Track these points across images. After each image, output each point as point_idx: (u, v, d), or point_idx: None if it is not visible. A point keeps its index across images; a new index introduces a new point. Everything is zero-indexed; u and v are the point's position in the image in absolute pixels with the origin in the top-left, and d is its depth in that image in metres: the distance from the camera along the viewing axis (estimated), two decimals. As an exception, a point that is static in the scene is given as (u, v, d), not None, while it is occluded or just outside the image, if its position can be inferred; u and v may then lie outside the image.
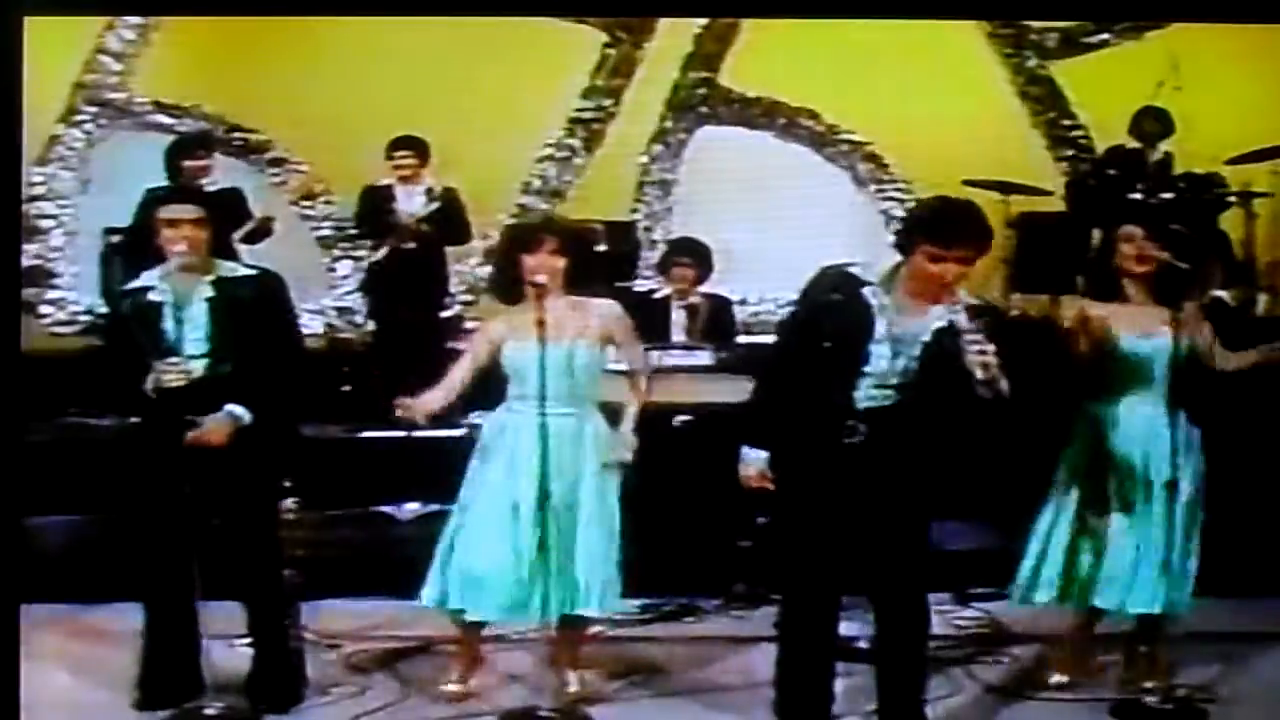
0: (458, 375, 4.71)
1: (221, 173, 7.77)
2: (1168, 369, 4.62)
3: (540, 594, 4.49)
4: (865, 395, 4.05)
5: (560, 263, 4.58)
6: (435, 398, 4.67)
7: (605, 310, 4.72)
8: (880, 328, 4.02)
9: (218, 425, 4.48)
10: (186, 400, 4.42)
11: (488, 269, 8.72)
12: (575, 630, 4.80)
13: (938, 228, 3.95)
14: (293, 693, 4.78)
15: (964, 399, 3.93)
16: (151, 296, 4.55)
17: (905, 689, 4.25)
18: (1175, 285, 4.61)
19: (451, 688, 4.82)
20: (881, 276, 4.09)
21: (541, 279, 4.51)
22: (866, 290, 4.07)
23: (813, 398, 4.06)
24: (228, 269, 4.73)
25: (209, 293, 4.58)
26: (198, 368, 4.47)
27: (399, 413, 4.61)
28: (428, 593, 4.71)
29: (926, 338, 4.01)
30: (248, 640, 4.79)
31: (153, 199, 6.23)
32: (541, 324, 4.43)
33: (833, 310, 4.05)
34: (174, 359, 4.42)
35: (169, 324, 4.48)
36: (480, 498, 4.63)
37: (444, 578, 4.65)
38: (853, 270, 4.12)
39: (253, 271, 4.81)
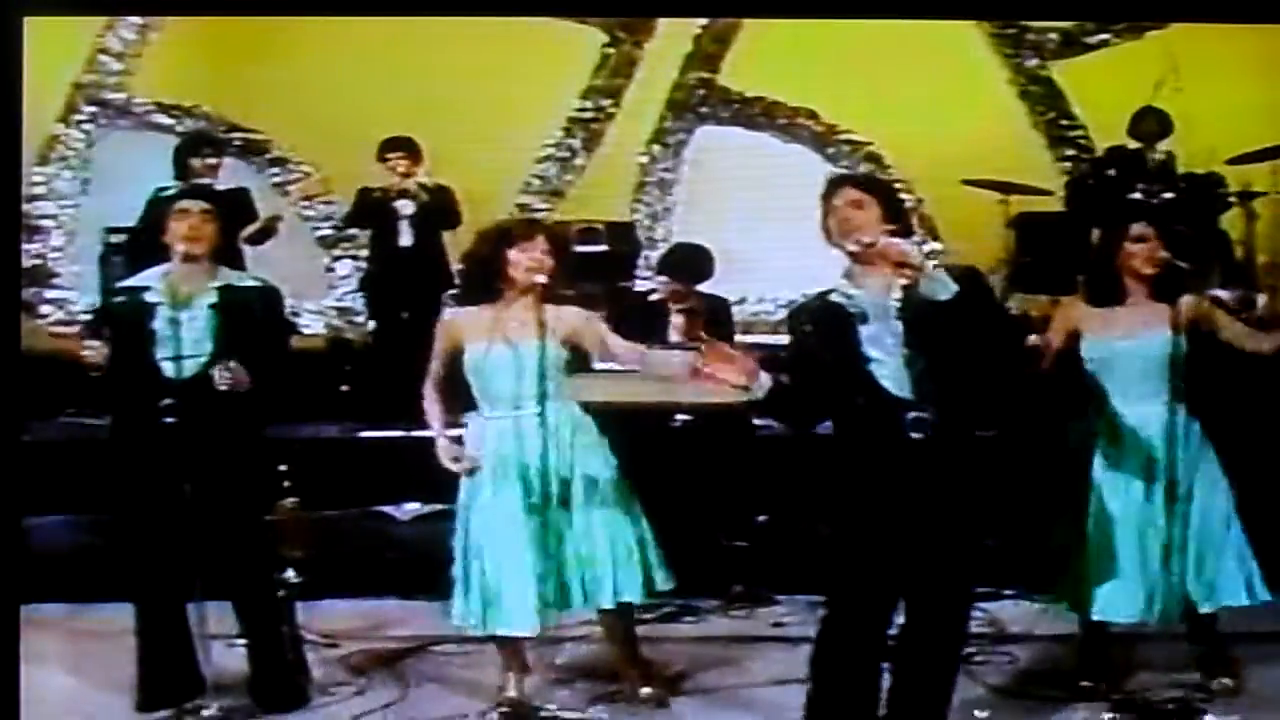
0: (436, 390, 4.65)
1: (226, 173, 7.79)
2: (1168, 368, 4.62)
3: (558, 594, 4.46)
4: (905, 382, 3.94)
5: (550, 261, 4.53)
6: (440, 427, 4.63)
7: (571, 315, 4.61)
8: (854, 310, 3.98)
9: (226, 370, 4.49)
10: (177, 399, 4.44)
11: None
12: (622, 622, 4.78)
13: (828, 185, 4.11)
14: (296, 694, 4.79)
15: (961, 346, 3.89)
16: (147, 297, 4.56)
17: (934, 695, 4.15)
18: (1174, 283, 4.60)
19: (511, 693, 4.72)
20: (844, 273, 4.06)
21: (541, 278, 4.46)
22: (833, 295, 4.03)
23: (857, 407, 3.99)
24: (233, 277, 4.76)
25: (213, 298, 4.61)
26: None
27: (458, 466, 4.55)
28: (457, 613, 4.61)
29: (897, 297, 3.94)
30: (244, 641, 4.80)
31: (161, 196, 6.29)
32: (542, 324, 4.39)
33: (812, 331, 4.04)
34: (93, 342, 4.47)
35: (162, 324, 4.49)
36: (480, 512, 4.55)
37: (466, 601, 4.54)
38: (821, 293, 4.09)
39: (256, 282, 4.84)
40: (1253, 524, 5.79)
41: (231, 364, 4.48)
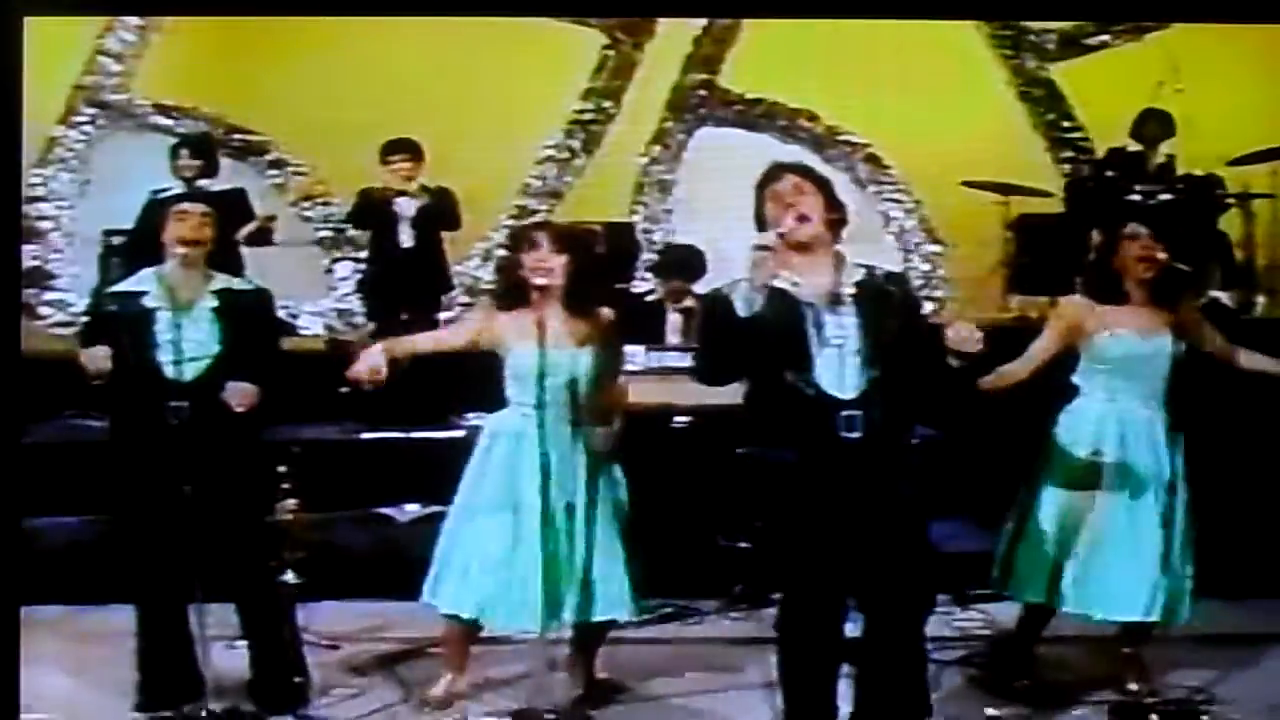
0: (446, 336, 4.72)
1: (223, 173, 7.79)
2: (1167, 370, 4.62)
3: (551, 601, 4.46)
4: (841, 382, 3.92)
5: (559, 261, 4.55)
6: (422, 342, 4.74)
7: (599, 316, 4.68)
8: (803, 299, 3.94)
9: (239, 390, 4.52)
10: (179, 399, 4.45)
11: (487, 270, 8.83)
12: (591, 635, 4.80)
13: (766, 173, 4.09)
14: (296, 695, 4.77)
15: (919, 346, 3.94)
16: (146, 301, 4.57)
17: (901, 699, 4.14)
18: (1174, 286, 4.60)
19: (439, 692, 4.78)
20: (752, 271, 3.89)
21: (542, 280, 4.50)
22: (776, 281, 3.91)
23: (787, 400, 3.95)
24: (229, 280, 4.78)
25: (213, 301, 4.64)
26: (106, 362, 4.47)
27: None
28: (441, 599, 4.64)
29: (850, 291, 3.95)
30: (245, 642, 4.80)
31: (159, 199, 6.29)
32: (541, 326, 4.41)
33: (755, 315, 3.88)
34: (92, 350, 4.45)
35: (164, 328, 4.50)
36: (484, 503, 4.59)
37: (457, 586, 4.58)
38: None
39: (249, 286, 4.89)
40: (1251, 523, 5.87)
41: (243, 385, 4.51)
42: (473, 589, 4.56)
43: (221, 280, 4.73)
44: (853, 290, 3.96)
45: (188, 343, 4.51)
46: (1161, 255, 4.62)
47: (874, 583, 3.97)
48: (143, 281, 4.64)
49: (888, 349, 3.92)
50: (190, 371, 4.53)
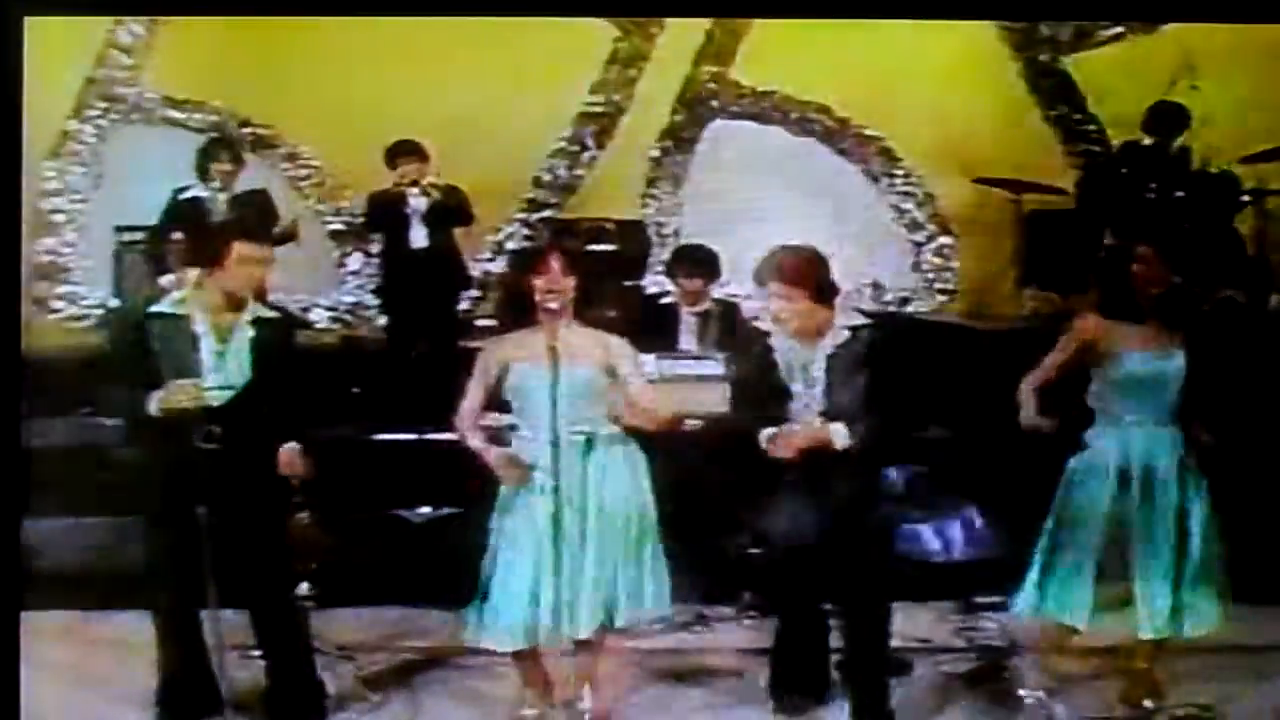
0: (472, 420, 4.70)
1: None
2: (1179, 389, 4.61)
3: (567, 609, 4.51)
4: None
5: (570, 282, 4.60)
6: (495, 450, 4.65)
7: (612, 342, 4.71)
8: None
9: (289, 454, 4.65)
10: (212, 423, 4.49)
11: (501, 264, 8.83)
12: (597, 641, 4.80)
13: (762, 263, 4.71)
14: (314, 708, 4.81)
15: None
16: (194, 328, 4.61)
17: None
18: (1183, 305, 4.60)
19: (529, 712, 4.78)
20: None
21: (554, 304, 4.53)
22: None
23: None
24: (259, 309, 4.80)
25: (250, 331, 4.68)
26: (206, 393, 4.51)
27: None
28: (482, 630, 4.65)
29: (822, 361, 4.60)
30: (260, 654, 4.82)
31: (183, 200, 6.28)
32: (553, 350, 4.44)
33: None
34: (186, 381, 4.45)
35: (208, 356, 4.57)
36: (505, 528, 4.62)
37: (482, 618, 4.60)
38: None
39: (275, 314, 4.93)
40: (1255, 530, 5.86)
41: (293, 446, 4.64)
42: (508, 618, 4.56)
43: (254, 308, 4.76)
44: (828, 356, 4.60)
45: (230, 371, 4.58)
46: (1169, 276, 4.62)
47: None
48: (186, 305, 4.68)
49: (858, 402, 4.54)
50: (224, 397, 4.56)
